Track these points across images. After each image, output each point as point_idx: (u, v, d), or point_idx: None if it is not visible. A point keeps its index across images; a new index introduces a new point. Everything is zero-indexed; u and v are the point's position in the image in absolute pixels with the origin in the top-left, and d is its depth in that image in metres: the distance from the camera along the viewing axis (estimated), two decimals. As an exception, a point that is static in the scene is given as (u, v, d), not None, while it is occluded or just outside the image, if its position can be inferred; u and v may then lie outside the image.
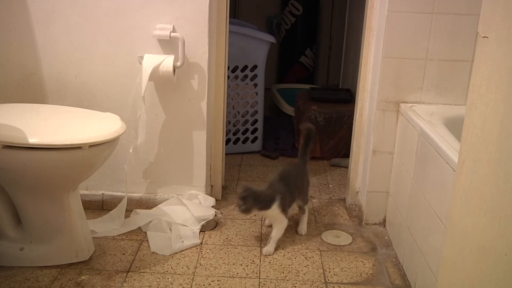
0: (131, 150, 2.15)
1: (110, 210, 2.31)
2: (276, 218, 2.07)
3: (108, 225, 2.18)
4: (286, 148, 3.25)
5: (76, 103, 2.20)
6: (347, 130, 2.98)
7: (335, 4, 4.56)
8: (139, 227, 2.19)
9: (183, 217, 2.22)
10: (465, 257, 1.04)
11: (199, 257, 2.02)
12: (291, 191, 2.10)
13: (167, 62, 2.06)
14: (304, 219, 2.23)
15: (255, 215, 2.37)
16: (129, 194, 2.27)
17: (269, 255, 2.04)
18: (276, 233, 2.07)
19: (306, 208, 2.24)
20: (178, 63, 2.10)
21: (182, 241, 2.08)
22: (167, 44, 2.13)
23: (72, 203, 1.84)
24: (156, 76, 2.07)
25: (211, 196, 2.39)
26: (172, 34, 2.09)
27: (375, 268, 1.99)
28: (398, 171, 2.15)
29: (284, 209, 2.04)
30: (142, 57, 2.09)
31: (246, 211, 1.98)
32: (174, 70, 2.08)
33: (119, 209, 2.21)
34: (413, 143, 1.93)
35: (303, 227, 2.22)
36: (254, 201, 1.96)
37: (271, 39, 3.07)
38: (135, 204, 2.32)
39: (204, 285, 1.84)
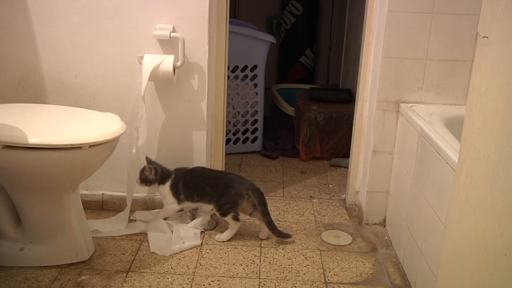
0: (134, 151, 2.14)
1: (110, 210, 2.32)
2: (165, 197, 2.15)
3: (115, 226, 2.18)
4: (286, 148, 3.25)
5: (76, 103, 2.20)
6: (347, 130, 2.98)
7: (335, 4, 4.56)
8: (139, 227, 2.20)
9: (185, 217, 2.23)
10: (465, 257, 1.04)
11: (199, 257, 2.02)
12: (195, 185, 2.13)
13: (167, 62, 2.06)
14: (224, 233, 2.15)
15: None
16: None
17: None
18: (162, 211, 2.20)
19: (227, 219, 2.12)
20: (178, 63, 2.10)
21: (183, 242, 2.08)
22: (167, 44, 2.13)
23: (72, 203, 1.84)
24: (156, 76, 2.07)
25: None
26: (172, 34, 2.09)
27: (375, 268, 1.99)
28: (398, 171, 2.15)
29: (176, 192, 2.12)
30: (142, 57, 2.09)
31: (146, 181, 2.12)
32: (174, 70, 2.08)
33: (126, 211, 2.21)
34: (413, 143, 1.93)
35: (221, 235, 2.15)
36: (155, 172, 2.12)
37: (271, 39, 3.07)
38: (136, 205, 2.31)
39: (204, 285, 1.84)
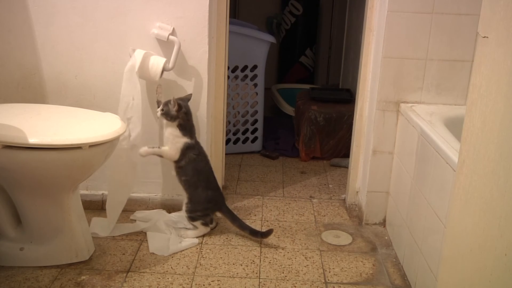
0: (125, 146, 2.08)
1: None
2: (172, 145, 2.05)
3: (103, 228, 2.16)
4: (286, 148, 3.25)
5: (76, 103, 2.20)
6: (347, 130, 2.98)
7: (335, 4, 4.56)
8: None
9: (183, 217, 2.22)
10: (465, 257, 1.04)
11: (199, 257, 2.02)
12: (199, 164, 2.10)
13: (158, 60, 2.06)
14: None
15: (255, 215, 2.38)
16: (130, 194, 2.25)
17: (142, 155, 2.07)
18: (158, 149, 2.09)
19: (196, 224, 2.15)
20: (169, 65, 2.07)
21: (180, 242, 2.08)
22: (167, 45, 2.12)
23: (72, 203, 1.84)
24: (144, 71, 2.05)
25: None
26: (170, 37, 2.08)
27: (375, 268, 1.99)
28: (398, 171, 2.15)
29: (184, 133, 2.05)
30: (134, 50, 2.08)
31: (167, 114, 2.02)
32: (162, 72, 2.06)
33: (113, 217, 2.18)
34: (413, 143, 1.93)
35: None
36: (178, 108, 2.01)
37: (271, 39, 3.07)
38: (136, 205, 2.31)
39: (204, 285, 1.84)
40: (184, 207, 2.14)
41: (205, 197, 2.12)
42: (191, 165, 2.08)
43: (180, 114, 2.03)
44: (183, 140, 2.06)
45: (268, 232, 2.13)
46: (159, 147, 2.09)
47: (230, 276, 1.90)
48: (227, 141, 3.05)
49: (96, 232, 2.12)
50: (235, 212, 2.21)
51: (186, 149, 2.06)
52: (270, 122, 3.48)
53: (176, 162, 2.09)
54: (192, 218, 2.13)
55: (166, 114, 2.03)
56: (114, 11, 2.11)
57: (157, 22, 2.11)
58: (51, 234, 1.86)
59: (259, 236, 2.13)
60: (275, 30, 4.58)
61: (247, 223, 2.26)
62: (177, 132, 2.05)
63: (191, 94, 2.13)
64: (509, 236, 0.86)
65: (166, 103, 2.03)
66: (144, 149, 2.07)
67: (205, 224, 2.16)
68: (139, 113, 2.08)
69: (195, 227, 2.15)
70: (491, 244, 0.92)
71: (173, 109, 2.01)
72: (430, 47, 2.07)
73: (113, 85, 2.20)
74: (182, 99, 2.07)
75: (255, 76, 3.08)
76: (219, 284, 1.85)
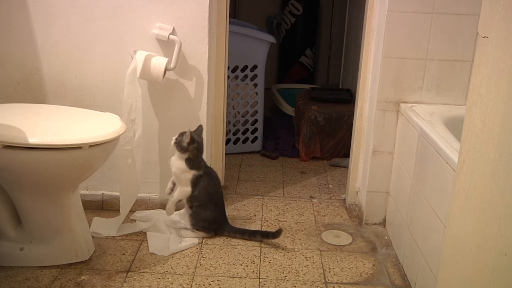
0: (129, 147, 2.11)
1: (110, 210, 2.32)
2: (181, 180, 2.08)
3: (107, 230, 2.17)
4: (286, 148, 3.25)
5: (76, 103, 2.20)
6: (347, 130, 2.98)
7: (335, 4, 4.56)
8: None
9: (183, 217, 2.22)
10: (465, 257, 1.04)
11: (199, 257, 2.02)
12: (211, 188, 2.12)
13: (160, 60, 2.06)
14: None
15: (255, 215, 2.38)
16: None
17: (169, 215, 2.14)
18: (176, 193, 2.11)
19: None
20: (171, 65, 2.08)
21: (180, 242, 2.09)
22: (167, 45, 2.12)
23: (72, 203, 1.84)
24: (146, 71, 2.06)
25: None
26: (171, 36, 2.08)
27: (375, 268, 1.99)
28: (398, 171, 2.15)
29: (191, 166, 2.05)
30: (135, 52, 2.08)
31: (179, 145, 2.03)
32: (165, 72, 2.07)
33: (121, 217, 2.20)
34: (413, 143, 1.93)
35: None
36: (190, 141, 2.02)
37: (271, 39, 3.07)
38: (136, 205, 2.31)
39: (204, 285, 1.84)
40: (187, 222, 2.14)
41: (212, 218, 2.13)
42: (204, 191, 2.09)
43: (190, 148, 2.03)
44: (191, 172, 2.07)
45: (278, 232, 2.12)
46: (172, 195, 2.13)
47: (230, 276, 1.90)
48: (227, 141, 3.05)
49: (98, 232, 2.12)
50: (235, 212, 2.21)
51: (196, 180, 2.07)
52: (270, 122, 3.48)
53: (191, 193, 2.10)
54: (196, 229, 2.14)
55: (178, 144, 2.04)
56: (114, 11, 2.12)
57: (157, 22, 2.11)
58: (51, 234, 1.86)
59: (270, 237, 2.13)
60: (275, 30, 4.58)
61: (247, 223, 2.27)
62: (184, 166, 2.06)
63: (201, 125, 2.13)
64: (509, 236, 0.86)
65: (181, 134, 2.04)
66: (168, 209, 2.13)
67: (208, 233, 2.16)
68: (140, 114, 2.09)
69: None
70: (491, 244, 0.92)
71: (185, 141, 2.02)
72: (430, 47, 2.07)
73: (113, 85, 2.20)
74: (197, 133, 2.07)
75: (255, 76, 3.08)
76: (219, 284, 1.85)
